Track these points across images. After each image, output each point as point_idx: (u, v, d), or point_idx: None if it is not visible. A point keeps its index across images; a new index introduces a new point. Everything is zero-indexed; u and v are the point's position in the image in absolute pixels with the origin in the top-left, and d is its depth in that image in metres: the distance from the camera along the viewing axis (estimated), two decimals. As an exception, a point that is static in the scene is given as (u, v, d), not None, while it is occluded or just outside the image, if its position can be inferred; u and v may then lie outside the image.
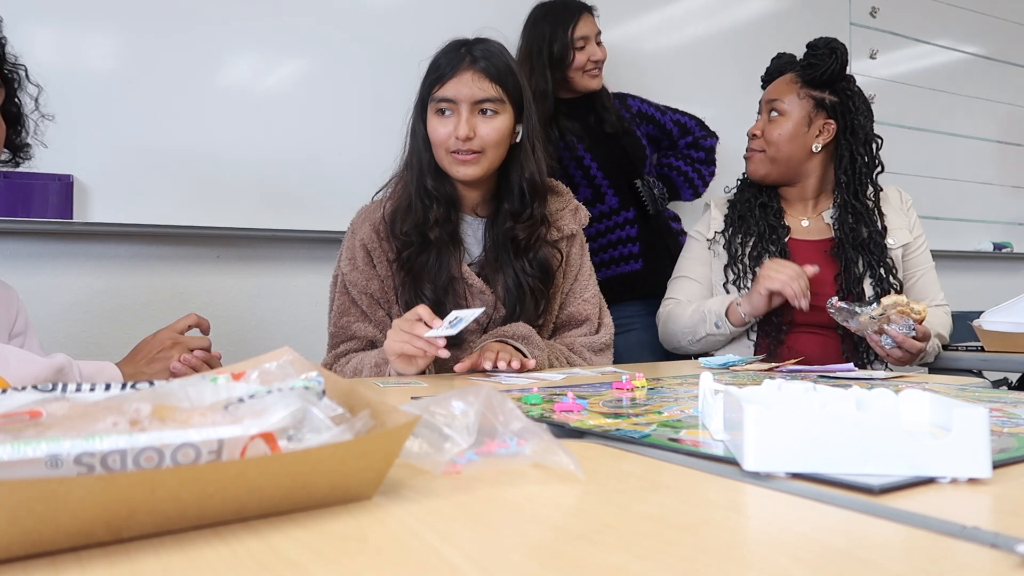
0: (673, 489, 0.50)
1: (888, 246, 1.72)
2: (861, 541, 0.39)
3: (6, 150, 1.23)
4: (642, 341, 1.99)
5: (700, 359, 1.46)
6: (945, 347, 1.74)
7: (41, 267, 1.74)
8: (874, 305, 1.48)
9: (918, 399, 0.64)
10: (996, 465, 0.51)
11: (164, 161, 1.81)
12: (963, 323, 1.86)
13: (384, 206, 1.44)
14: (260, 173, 1.91)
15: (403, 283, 1.41)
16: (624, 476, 0.53)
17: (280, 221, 1.93)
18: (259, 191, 1.91)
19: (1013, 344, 1.64)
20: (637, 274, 2.03)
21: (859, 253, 1.69)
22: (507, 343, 1.32)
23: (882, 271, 1.69)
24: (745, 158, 1.82)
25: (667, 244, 2.06)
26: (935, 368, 1.69)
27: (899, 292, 1.69)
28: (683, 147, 2.21)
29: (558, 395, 0.89)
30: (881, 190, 1.79)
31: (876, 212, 1.75)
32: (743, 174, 1.86)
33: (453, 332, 1.18)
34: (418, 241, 1.40)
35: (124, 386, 0.52)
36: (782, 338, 1.65)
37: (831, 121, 1.75)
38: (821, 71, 1.73)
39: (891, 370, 1.56)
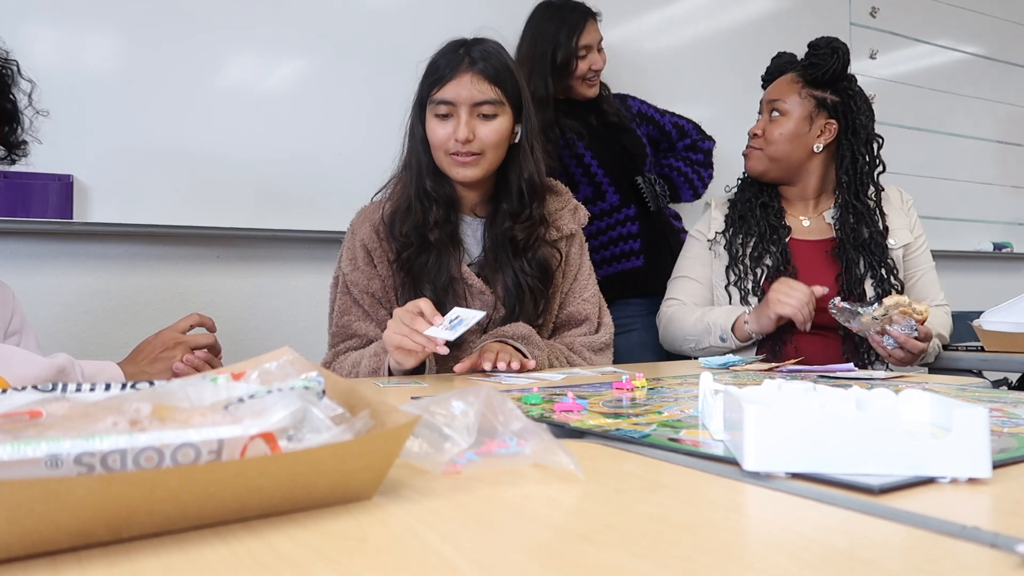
0: (673, 489, 0.50)
1: (890, 246, 1.72)
2: (861, 541, 0.39)
3: (1, 147, 1.22)
4: (643, 341, 1.99)
5: (700, 359, 1.46)
6: (945, 347, 1.74)
7: (41, 267, 1.74)
8: (875, 305, 1.48)
9: (918, 399, 0.64)
10: (996, 465, 0.51)
11: (164, 161, 1.81)
12: (963, 323, 1.86)
13: (384, 207, 1.44)
14: (260, 173, 1.91)
15: (403, 284, 1.41)
16: (624, 476, 0.53)
17: (280, 221, 1.93)
18: (259, 191, 1.91)
19: (1013, 344, 1.64)
20: (638, 271, 2.02)
21: (860, 253, 1.69)
22: (507, 343, 1.32)
23: (883, 271, 1.68)
24: (744, 155, 1.82)
25: (668, 241, 2.06)
26: (935, 368, 1.69)
27: (900, 292, 1.69)
28: (681, 149, 2.21)
29: (558, 395, 0.89)
30: (882, 190, 1.78)
31: (877, 212, 1.75)
32: (743, 173, 1.86)
33: (452, 336, 1.17)
34: (418, 242, 1.40)
35: (124, 386, 0.52)
36: (784, 338, 1.64)
37: (832, 121, 1.75)
38: (823, 71, 1.73)
39: (891, 370, 1.56)
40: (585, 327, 1.51)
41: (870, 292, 1.68)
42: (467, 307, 1.40)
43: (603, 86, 2.08)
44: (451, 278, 1.40)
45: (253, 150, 1.90)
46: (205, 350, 1.22)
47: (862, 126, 1.75)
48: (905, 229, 1.77)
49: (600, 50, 2.02)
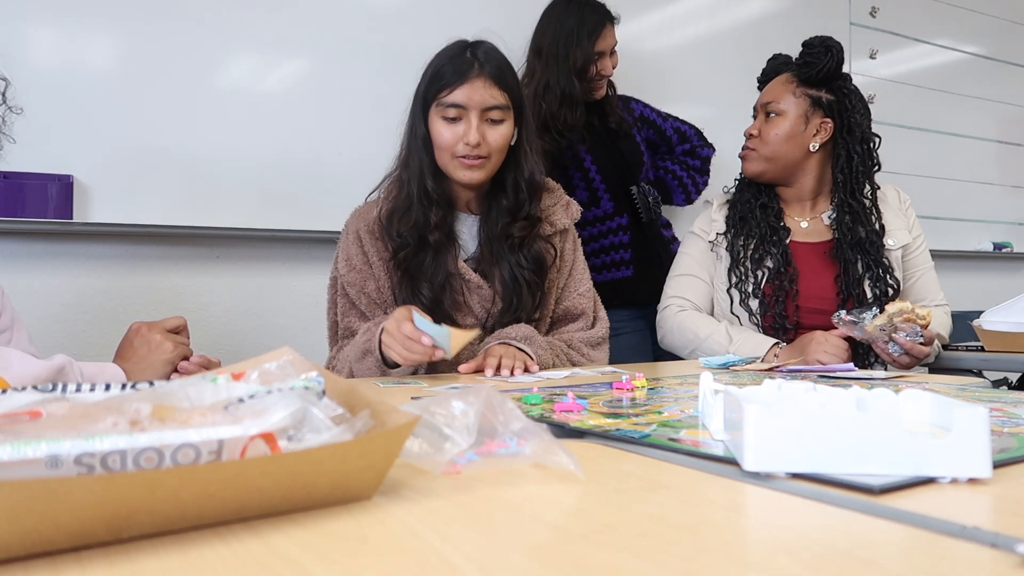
0: (673, 489, 0.50)
1: (888, 247, 1.72)
2: (861, 541, 0.39)
3: None
4: (631, 344, 1.99)
5: (700, 359, 1.46)
6: (945, 347, 1.74)
7: (41, 267, 1.74)
8: (876, 312, 1.48)
9: (918, 399, 0.64)
10: (996, 465, 0.51)
11: (164, 161, 1.81)
12: (963, 323, 1.86)
13: (380, 206, 1.44)
14: (260, 173, 1.91)
15: (400, 282, 1.42)
16: (624, 476, 0.53)
17: (280, 221, 1.93)
18: (259, 191, 1.91)
19: (1013, 344, 1.64)
20: (628, 281, 2.02)
21: (857, 253, 1.69)
22: (510, 344, 1.32)
23: (880, 271, 1.68)
24: (740, 156, 1.82)
25: (658, 252, 2.06)
26: (935, 368, 1.68)
27: (897, 291, 1.69)
28: (680, 153, 2.21)
29: (558, 395, 0.89)
30: (878, 188, 1.78)
31: (874, 211, 1.75)
32: (740, 174, 1.85)
33: (443, 353, 1.19)
34: (415, 242, 1.40)
35: (124, 386, 0.52)
36: (788, 338, 1.65)
37: (828, 120, 1.75)
38: (817, 69, 1.73)
39: (891, 370, 1.56)
40: (581, 322, 1.52)
41: (868, 292, 1.68)
42: (464, 303, 1.43)
43: (611, 85, 2.08)
44: (448, 274, 1.41)
45: (253, 150, 1.90)
46: (199, 355, 1.21)
47: (857, 124, 1.75)
48: (903, 230, 1.77)
49: (613, 54, 2.02)
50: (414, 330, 1.19)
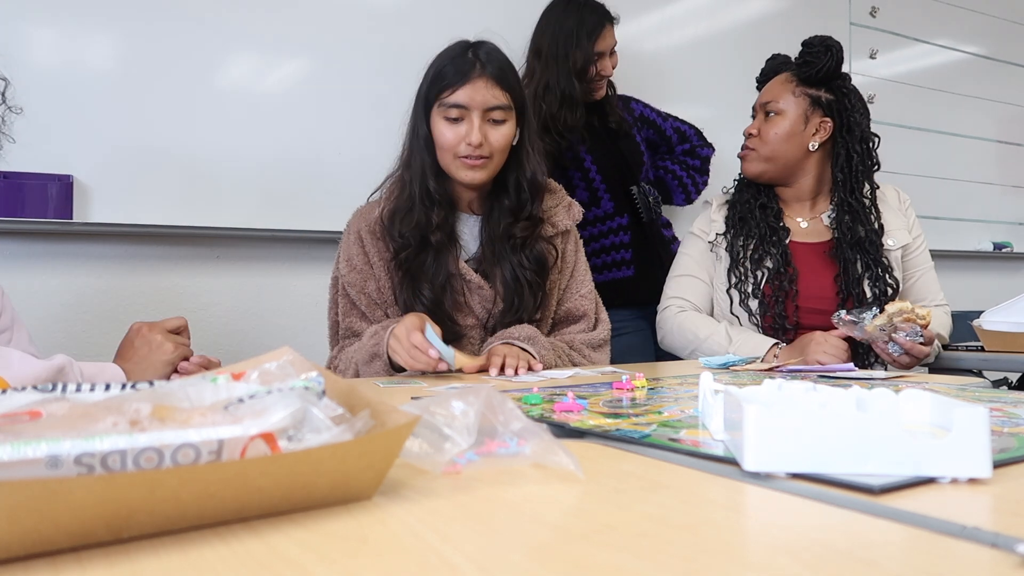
0: (673, 489, 0.50)
1: (888, 247, 1.72)
2: (861, 541, 0.39)
3: None
4: (632, 344, 1.99)
5: (700, 359, 1.46)
6: (945, 347, 1.74)
7: (41, 267, 1.74)
8: (875, 311, 1.48)
9: (918, 399, 0.64)
10: (996, 465, 0.51)
11: (164, 161, 1.81)
12: (963, 323, 1.86)
13: (381, 206, 1.44)
14: (260, 173, 1.91)
15: (400, 283, 1.42)
16: (624, 476, 0.53)
17: (280, 221, 1.93)
18: (259, 191, 1.91)
19: (1013, 344, 1.64)
20: (629, 280, 2.02)
21: (857, 253, 1.69)
22: (513, 344, 1.33)
23: (879, 270, 1.68)
24: (740, 156, 1.82)
25: (659, 252, 2.06)
26: (935, 368, 1.68)
27: (896, 290, 1.69)
28: (679, 153, 2.21)
29: (558, 395, 0.89)
30: (877, 187, 1.78)
31: (873, 210, 1.75)
32: (739, 174, 1.85)
33: (447, 365, 1.21)
34: (416, 242, 1.40)
35: (124, 386, 0.52)
36: (787, 338, 1.65)
37: (827, 119, 1.75)
38: (817, 68, 1.73)
39: (891, 370, 1.56)
40: (583, 323, 1.52)
41: (868, 292, 1.67)
42: (465, 303, 1.43)
43: (611, 85, 2.08)
44: (449, 275, 1.41)
45: (253, 150, 1.90)
46: (199, 356, 1.21)
47: (856, 124, 1.75)
48: (903, 230, 1.77)
49: (612, 54, 2.02)
50: (423, 340, 1.20)
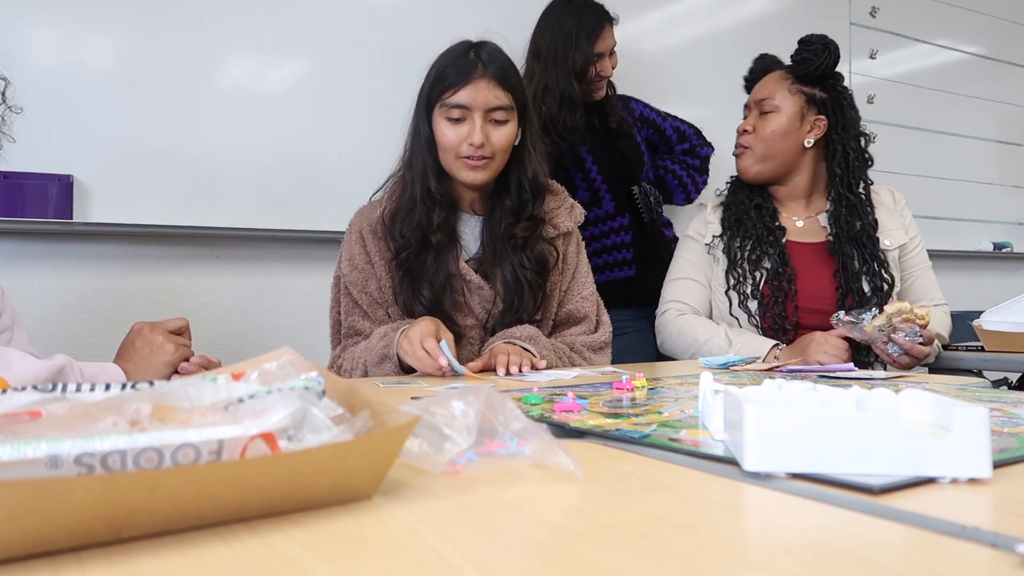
0: (673, 489, 0.50)
1: (885, 247, 1.73)
2: (861, 541, 0.39)
3: None
4: (634, 344, 1.99)
5: (700, 359, 1.46)
6: (945, 347, 1.74)
7: (41, 267, 1.74)
8: (875, 312, 1.48)
9: (918, 399, 0.64)
10: (996, 465, 0.51)
11: (164, 161, 1.81)
12: (963, 323, 1.86)
13: (383, 206, 1.45)
14: (260, 173, 1.91)
15: (401, 283, 1.42)
16: (624, 476, 0.53)
17: (280, 221, 1.93)
18: (259, 191, 1.91)
19: (1013, 344, 1.64)
20: (630, 280, 2.02)
21: (855, 248, 1.70)
22: (515, 344, 1.33)
23: (875, 265, 1.69)
24: (735, 155, 1.81)
25: (660, 252, 2.06)
26: (935, 368, 1.69)
27: (891, 286, 1.69)
28: (679, 153, 2.21)
29: (558, 395, 0.89)
30: (871, 183, 1.79)
31: (869, 205, 1.75)
32: (731, 176, 1.86)
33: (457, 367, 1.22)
34: (417, 242, 1.40)
35: (124, 386, 0.52)
36: (787, 339, 1.65)
37: (822, 117, 1.76)
38: (816, 66, 1.73)
39: (890, 370, 1.56)
40: (584, 325, 1.52)
41: (867, 287, 1.68)
42: (465, 303, 1.43)
43: (611, 85, 2.08)
44: (449, 275, 1.41)
45: (253, 150, 1.90)
46: (200, 356, 1.21)
47: (851, 122, 1.76)
48: (899, 230, 1.77)
49: (612, 55, 2.02)
50: (435, 346, 1.22)
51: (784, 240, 1.73)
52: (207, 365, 1.19)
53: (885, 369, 1.59)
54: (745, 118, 1.82)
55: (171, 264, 1.87)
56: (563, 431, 0.69)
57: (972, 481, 0.50)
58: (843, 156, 1.75)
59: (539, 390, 0.94)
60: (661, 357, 1.87)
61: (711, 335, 1.66)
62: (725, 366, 1.36)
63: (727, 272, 1.73)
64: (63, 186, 1.69)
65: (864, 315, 1.48)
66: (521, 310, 1.42)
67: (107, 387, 0.51)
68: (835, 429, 0.50)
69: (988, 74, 3.33)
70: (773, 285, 1.67)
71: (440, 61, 1.40)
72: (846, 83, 1.80)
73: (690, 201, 2.24)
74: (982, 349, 1.71)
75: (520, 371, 1.25)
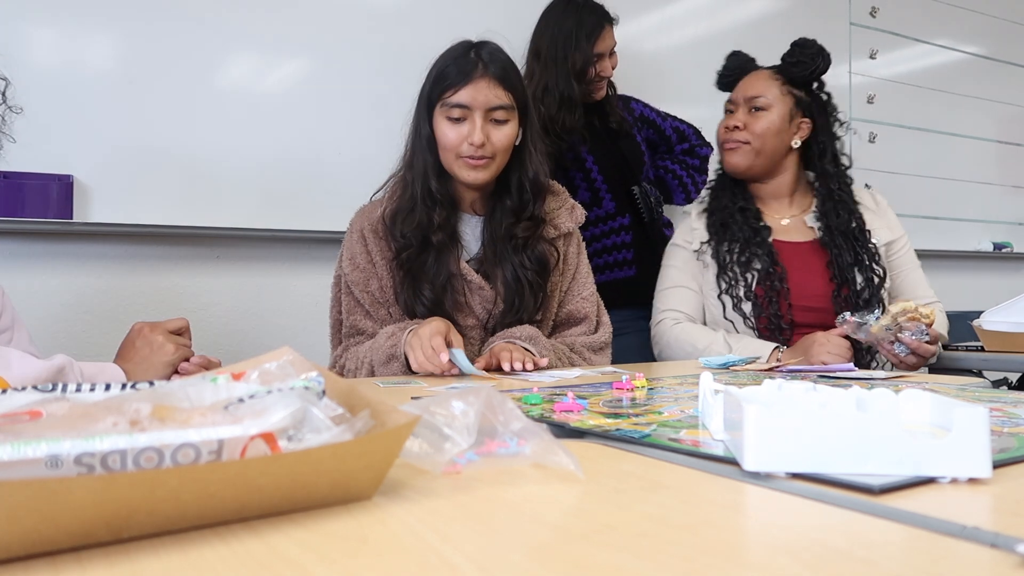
0: (673, 489, 0.50)
1: (874, 242, 1.75)
2: (861, 541, 0.39)
3: None
4: (633, 345, 1.98)
5: (700, 359, 1.46)
6: (945, 347, 1.74)
7: (41, 267, 1.74)
8: (877, 314, 1.48)
9: (918, 399, 0.64)
10: (996, 465, 0.51)
11: (164, 161, 1.81)
12: (963, 323, 1.86)
13: (384, 206, 1.45)
14: (260, 173, 1.91)
15: (402, 283, 1.42)
16: (624, 476, 0.53)
17: (280, 221, 1.93)
18: (259, 191, 1.91)
19: (1013, 344, 1.64)
20: (630, 280, 2.02)
21: (846, 241, 1.72)
22: (515, 343, 1.33)
23: (866, 257, 1.71)
24: (728, 150, 1.81)
25: (660, 252, 2.06)
26: (935, 368, 1.69)
27: (882, 280, 1.71)
28: (679, 153, 2.21)
29: (558, 395, 0.89)
30: (852, 181, 1.83)
31: (854, 203, 1.79)
32: (711, 181, 1.88)
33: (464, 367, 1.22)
34: (418, 242, 1.40)
35: (124, 386, 0.52)
36: (784, 338, 1.65)
37: (807, 120, 1.79)
38: (810, 70, 1.77)
39: (890, 370, 1.56)
40: (584, 326, 1.52)
41: (859, 279, 1.69)
42: (466, 303, 1.43)
43: (611, 85, 2.08)
44: (450, 275, 1.41)
45: (253, 150, 1.90)
46: (200, 356, 1.21)
47: (831, 127, 1.81)
48: (884, 228, 1.80)
49: (612, 55, 2.02)
50: (441, 344, 1.22)
51: (771, 240, 1.74)
52: (207, 365, 1.19)
53: (885, 368, 1.59)
54: (727, 113, 1.83)
55: (171, 264, 1.87)
56: (563, 431, 0.69)
57: (972, 481, 0.50)
58: (832, 156, 1.79)
59: (539, 390, 0.94)
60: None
61: (710, 341, 1.66)
62: (725, 366, 1.36)
63: (718, 277, 1.74)
64: (63, 186, 1.69)
65: (867, 317, 1.48)
66: (522, 310, 1.42)
67: (107, 387, 0.51)
68: (835, 429, 0.50)
69: (988, 74, 3.33)
70: (765, 285, 1.68)
71: (441, 61, 1.41)
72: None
73: (690, 201, 2.24)
74: (982, 349, 1.71)
75: (524, 368, 1.25)
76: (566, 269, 1.53)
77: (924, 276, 1.83)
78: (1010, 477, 0.51)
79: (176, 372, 1.17)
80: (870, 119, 2.97)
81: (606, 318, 1.56)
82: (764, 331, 1.67)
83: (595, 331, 1.52)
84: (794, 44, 1.80)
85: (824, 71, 1.79)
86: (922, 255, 3.00)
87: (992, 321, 1.69)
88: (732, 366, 1.36)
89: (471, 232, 1.48)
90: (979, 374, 1.68)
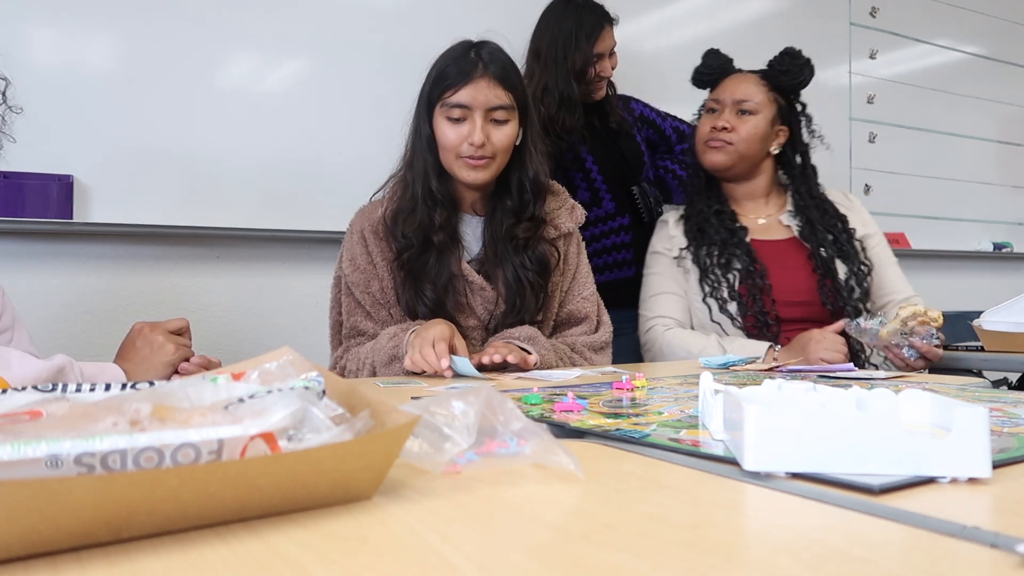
0: (673, 489, 0.50)
1: (853, 228, 1.79)
2: (861, 541, 0.39)
3: None
4: (633, 345, 1.99)
5: (700, 359, 1.46)
6: (945, 347, 1.74)
7: (41, 267, 1.74)
8: (880, 319, 1.49)
9: (918, 399, 0.64)
10: (996, 465, 0.51)
11: (164, 161, 1.81)
12: (963, 323, 1.86)
13: (384, 206, 1.45)
14: (260, 173, 1.91)
15: (403, 283, 1.42)
16: (624, 476, 0.53)
17: (280, 221, 1.93)
18: (259, 191, 1.91)
19: (1013, 344, 1.64)
20: (630, 280, 2.02)
21: (828, 232, 1.76)
22: (512, 344, 1.33)
23: (848, 247, 1.75)
24: (711, 148, 1.83)
25: None
26: (935, 368, 1.68)
27: (867, 275, 1.74)
28: (679, 152, 2.22)
29: (558, 395, 0.89)
30: (821, 186, 1.89)
31: (828, 203, 1.84)
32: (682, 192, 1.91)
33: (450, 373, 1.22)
34: (419, 243, 1.40)
35: (124, 386, 0.52)
36: (771, 334, 1.66)
37: (784, 128, 1.84)
38: (799, 80, 1.82)
39: (890, 368, 1.56)
40: (585, 325, 1.52)
41: (841, 271, 1.71)
42: (467, 304, 1.43)
43: (611, 85, 2.08)
44: (451, 275, 1.41)
45: (253, 150, 1.90)
46: (200, 356, 1.21)
47: (802, 136, 1.86)
48: (859, 224, 1.83)
49: (612, 55, 2.02)
50: (445, 350, 1.21)
51: (748, 240, 1.77)
52: (207, 365, 1.19)
53: (884, 368, 1.59)
54: (709, 111, 1.86)
55: (171, 264, 1.87)
56: (563, 431, 0.69)
57: (972, 481, 0.50)
58: (804, 164, 1.85)
59: (539, 390, 0.94)
60: None
61: (703, 345, 1.67)
62: (725, 366, 1.36)
63: (700, 281, 1.76)
64: (63, 186, 1.69)
65: (871, 321, 1.49)
66: (523, 311, 1.42)
67: (107, 387, 0.51)
68: (835, 429, 0.50)
69: (988, 74, 3.33)
70: (748, 284, 1.71)
71: (440, 61, 1.40)
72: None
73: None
74: (982, 349, 1.71)
75: (505, 361, 1.24)
76: (566, 269, 1.53)
77: (901, 271, 1.85)
78: (1010, 477, 0.51)
79: (176, 372, 1.17)
80: (870, 119, 2.97)
81: (606, 318, 1.56)
82: (752, 329, 1.68)
83: (596, 331, 1.52)
84: (784, 52, 1.84)
85: (808, 83, 1.84)
86: (922, 255, 3.02)
87: (992, 321, 1.69)
88: (732, 366, 1.36)
89: (472, 233, 1.48)
90: (979, 374, 1.68)
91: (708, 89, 1.91)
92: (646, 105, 2.20)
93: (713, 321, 1.72)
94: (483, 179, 1.40)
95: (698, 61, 1.94)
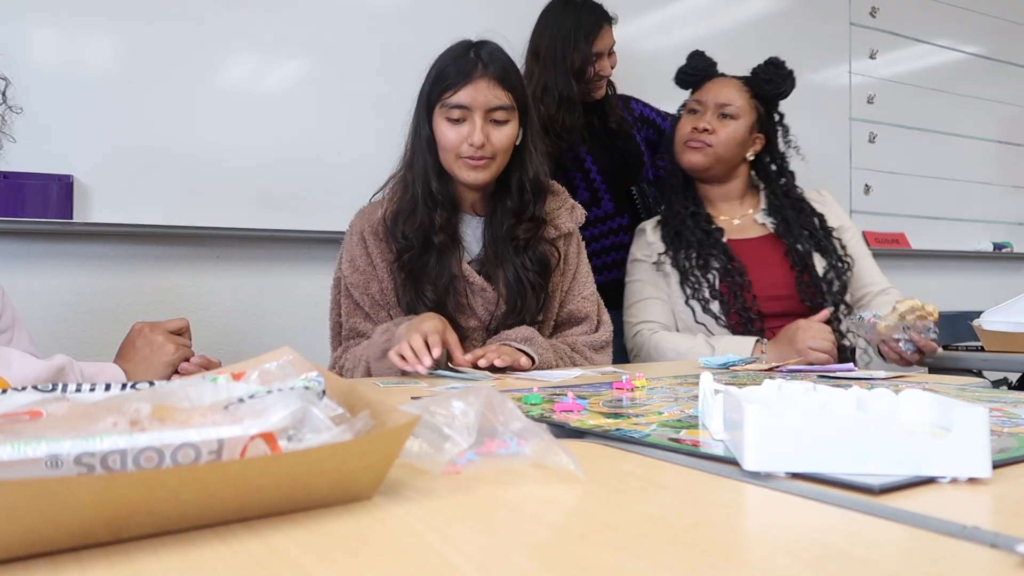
0: (673, 489, 0.50)
1: (830, 226, 1.82)
2: (861, 541, 0.39)
3: None
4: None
5: (700, 359, 1.46)
6: (945, 347, 1.74)
7: (41, 267, 1.74)
8: (876, 313, 1.49)
9: (918, 399, 0.64)
10: (996, 465, 0.51)
11: (164, 161, 1.81)
12: (963, 323, 1.86)
13: (384, 207, 1.44)
14: (260, 173, 1.91)
15: (403, 284, 1.42)
16: (624, 476, 0.53)
17: (280, 221, 1.93)
18: (259, 191, 1.91)
19: (1013, 344, 1.64)
20: None
21: (803, 228, 1.78)
22: (508, 345, 1.32)
23: (825, 242, 1.77)
24: (691, 148, 1.84)
25: None
26: (935, 368, 1.69)
27: (847, 269, 1.76)
28: None
29: (558, 395, 0.89)
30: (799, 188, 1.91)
31: (802, 201, 1.87)
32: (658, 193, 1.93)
33: (454, 374, 1.21)
34: (419, 243, 1.40)
35: (124, 386, 0.52)
36: (755, 329, 1.67)
37: (761, 135, 1.86)
38: (781, 90, 1.84)
39: (892, 369, 1.56)
40: (585, 325, 1.52)
41: (819, 265, 1.74)
42: (468, 305, 1.42)
43: (611, 85, 2.08)
44: (452, 276, 1.41)
45: (253, 150, 1.90)
46: (200, 356, 1.21)
47: (779, 146, 1.88)
48: (832, 217, 1.86)
49: (611, 54, 2.02)
50: (437, 342, 1.20)
51: (725, 240, 1.79)
52: (207, 365, 1.19)
53: (885, 362, 1.60)
54: (690, 112, 1.87)
55: (171, 264, 1.87)
56: (563, 431, 0.69)
57: (972, 481, 0.50)
58: (780, 171, 1.87)
59: (539, 390, 0.94)
60: None
61: (691, 345, 1.68)
62: (725, 366, 1.36)
63: (681, 284, 1.77)
64: (63, 186, 1.69)
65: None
66: (523, 311, 1.42)
67: (107, 387, 0.51)
68: (835, 429, 0.50)
69: (988, 74, 3.33)
70: (727, 282, 1.73)
71: (440, 61, 1.40)
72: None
73: None
74: (982, 349, 1.71)
75: (493, 365, 1.24)
76: (567, 269, 1.53)
77: (876, 264, 1.88)
78: (1010, 477, 0.51)
79: (176, 372, 1.17)
80: (870, 119, 2.97)
81: (607, 317, 1.56)
82: (737, 327, 1.70)
83: (596, 330, 1.52)
84: (768, 62, 1.86)
85: (788, 94, 1.87)
86: (922, 255, 3.02)
87: (992, 321, 1.69)
88: (732, 366, 1.36)
89: (472, 233, 1.48)
90: (979, 374, 1.68)
91: (690, 90, 1.92)
92: (646, 105, 2.20)
93: (698, 323, 1.73)
94: (483, 179, 1.40)
95: (698, 61, 1.95)
